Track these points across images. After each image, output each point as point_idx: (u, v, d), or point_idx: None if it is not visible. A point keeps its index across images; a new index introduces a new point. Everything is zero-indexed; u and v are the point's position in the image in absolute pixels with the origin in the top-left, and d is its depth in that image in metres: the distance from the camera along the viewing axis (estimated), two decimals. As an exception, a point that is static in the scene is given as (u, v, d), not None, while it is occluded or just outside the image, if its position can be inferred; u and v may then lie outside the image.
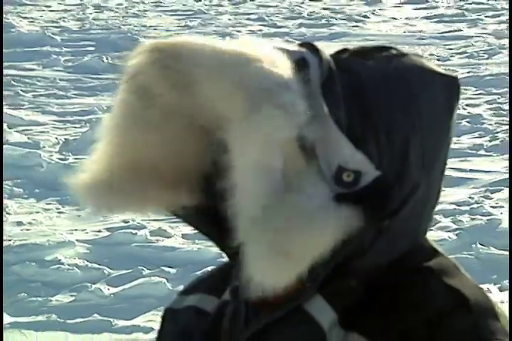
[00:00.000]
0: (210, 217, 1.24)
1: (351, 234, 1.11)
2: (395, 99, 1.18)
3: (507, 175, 6.51)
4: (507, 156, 6.89)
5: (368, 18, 11.62)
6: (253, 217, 1.11)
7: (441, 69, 1.23)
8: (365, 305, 1.21)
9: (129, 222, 5.62)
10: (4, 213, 5.83)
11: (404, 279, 1.22)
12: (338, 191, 1.13)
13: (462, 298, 1.20)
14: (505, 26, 11.07)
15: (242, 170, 1.11)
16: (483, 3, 12.44)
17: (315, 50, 1.16)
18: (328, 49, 1.19)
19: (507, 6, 12.17)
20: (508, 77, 8.97)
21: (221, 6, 12.31)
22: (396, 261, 1.22)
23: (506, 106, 8.10)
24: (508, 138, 7.25)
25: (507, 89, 8.58)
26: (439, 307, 1.19)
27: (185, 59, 1.12)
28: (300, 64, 1.12)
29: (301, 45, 1.18)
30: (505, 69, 9.20)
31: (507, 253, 5.14)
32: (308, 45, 1.17)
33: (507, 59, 9.65)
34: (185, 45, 1.13)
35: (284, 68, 1.09)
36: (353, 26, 11.08)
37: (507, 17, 11.56)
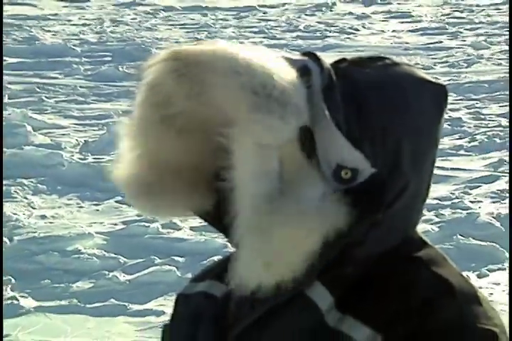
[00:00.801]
0: (220, 212, 1.23)
1: (346, 228, 1.10)
2: (389, 104, 1.17)
3: (484, 173, 6.51)
4: (485, 156, 6.89)
5: (359, 30, 11.63)
6: (247, 216, 1.11)
7: (431, 78, 1.23)
8: (360, 291, 1.20)
9: (142, 215, 5.61)
10: (30, 208, 5.83)
11: (397, 268, 1.22)
12: (337, 187, 1.13)
13: (449, 285, 1.19)
14: (482, 38, 11.06)
15: (241, 171, 1.11)
16: (462, 18, 12.44)
17: (317, 59, 1.16)
18: (328, 58, 1.19)
19: (484, 20, 12.15)
20: (486, 85, 8.98)
21: (226, 20, 12.31)
22: (389, 251, 1.22)
23: (484, 111, 8.11)
24: (486, 140, 7.25)
25: (484, 95, 8.58)
26: (428, 294, 1.18)
27: (199, 66, 1.11)
28: (303, 71, 1.11)
29: (304, 54, 1.18)
30: (483, 77, 9.20)
31: (484, 243, 5.14)
32: (311, 55, 1.18)
33: (484, 68, 9.65)
34: (199, 53, 1.12)
35: (288, 75, 1.09)
36: (345, 38, 11.08)
37: (484, 30, 11.55)
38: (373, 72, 1.18)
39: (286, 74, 1.09)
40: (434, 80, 1.22)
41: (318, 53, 1.16)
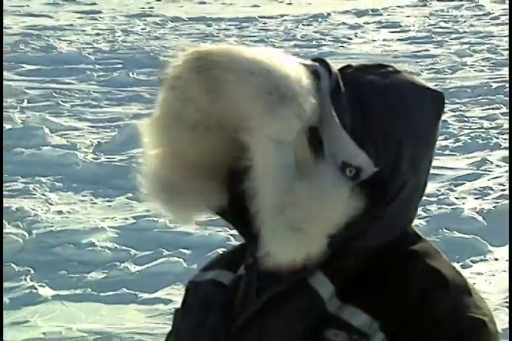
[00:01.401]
0: (234, 206, 1.23)
1: (351, 220, 1.09)
2: (392, 110, 1.17)
3: (468, 171, 6.51)
4: (468, 155, 6.89)
5: (352, 39, 11.64)
6: (273, 201, 1.08)
7: (430, 85, 1.23)
8: (359, 282, 1.20)
9: (150, 211, 5.61)
10: (47, 204, 5.83)
11: (395, 260, 1.22)
12: (342, 182, 1.13)
13: (442, 277, 1.19)
14: (466, 46, 11.06)
15: (261, 164, 1.10)
16: (447, 28, 12.45)
17: (326, 65, 1.17)
18: (335, 65, 1.19)
19: (468, 30, 12.16)
20: (469, 90, 8.98)
21: (228, 29, 12.33)
22: (388, 245, 1.22)
23: (467, 114, 8.11)
24: (469, 140, 7.25)
25: (468, 99, 8.58)
26: (424, 286, 1.18)
27: (219, 66, 1.11)
28: (313, 75, 1.11)
29: (314, 60, 1.19)
30: (467, 83, 9.20)
31: (468, 236, 5.15)
32: (320, 61, 1.18)
33: (468, 74, 9.66)
34: (219, 54, 1.12)
35: (300, 78, 1.09)
36: (339, 46, 11.09)
37: (468, 39, 11.55)
38: (376, 78, 1.18)
39: (299, 77, 1.09)
40: (432, 87, 1.22)
41: (327, 60, 1.17)
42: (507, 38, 11.49)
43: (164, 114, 1.17)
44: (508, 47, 10.96)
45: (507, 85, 8.97)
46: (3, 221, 5.40)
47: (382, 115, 1.14)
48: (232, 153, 1.18)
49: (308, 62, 1.15)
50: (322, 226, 1.09)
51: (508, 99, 8.54)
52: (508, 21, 12.84)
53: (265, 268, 1.15)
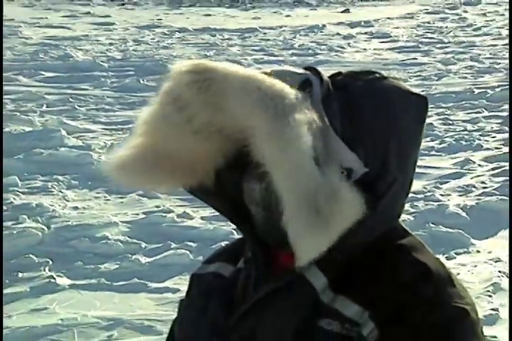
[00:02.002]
0: (230, 203, 1.23)
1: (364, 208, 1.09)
2: (379, 113, 1.17)
3: (453, 170, 6.51)
4: (452, 156, 6.90)
5: (345, 49, 11.64)
6: (299, 197, 1.06)
7: (415, 90, 1.22)
8: (351, 274, 1.20)
9: (160, 207, 5.63)
10: (64, 200, 5.83)
11: (384, 254, 1.21)
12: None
13: (427, 269, 1.19)
14: (450, 55, 11.05)
15: (280, 165, 1.09)
16: (433, 38, 12.46)
17: (317, 73, 1.16)
18: (326, 72, 1.18)
19: (452, 40, 12.16)
20: (453, 95, 8.98)
21: (231, 39, 12.34)
22: (377, 239, 1.21)
23: (452, 117, 8.12)
24: (453, 142, 7.25)
25: (452, 104, 8.58)
26: (410, 277, 1.18)
27: (216, 80, 1.11)
28: (306, 83, 1.12)
29: (306, 68, 1.18)
30: (451, 89, 9.21)
31: (452, 230, 5.14)
32: (312, 69, 1.18)
33: (452, 81, 9.66)
34: (216, 69, 1.12)
35: (292, 90, 1.09)
36: (333, 55, 11.09)
37: (452, 49, 11.54)
38: (365, 84, 1.17)
39: (292, 86, 1.09)
40: (417, 92, 1.21)
41: (319, 68, 1.16)
42: (488, 47, 11.49)
43: (160, 115, 1.17)
44: (488, 56, 10.96)
45: (489, 91, 8.98)
46: (24, 216, 5.41)
47: (371, 119, 1.14)
48: (221, 155, 1.18)
49: (301, 70, 1.15)
50: (343, 222, 1.08)
51: (489, 103, 8.55)
52: (488, 32, 12.85)
53: (263, 264, 1.15)
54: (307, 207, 1.06)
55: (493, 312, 4.10)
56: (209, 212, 5.15)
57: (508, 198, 5.74)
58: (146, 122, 1.18)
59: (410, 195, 1.26)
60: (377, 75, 1.19)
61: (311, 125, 1.07)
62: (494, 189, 5.98)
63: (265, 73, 1.13)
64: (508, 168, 6.46)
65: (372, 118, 1.14)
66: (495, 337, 3.70)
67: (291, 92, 1.08)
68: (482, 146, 7.15)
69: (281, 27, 13.42)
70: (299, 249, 1.07)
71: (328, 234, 1.07)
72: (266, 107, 1.06)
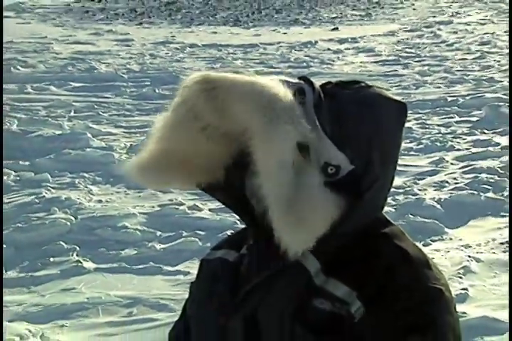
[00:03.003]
0: (231, 195, 1.22)
1: (339, 210, 1.10)
2: (364, 118, 1.16)
3: (428, 168, 6.51)
4: (428, 155, 6.89)
5: (335, 62, 11.63)
6: (279, 197, 1.08)
7: (395, 97, 1.22)
8: (341, 259, 1.19)
9: (173, 200, 5.64)
10: (89, 194, 5.83)
11: (369, 241, 1.21)
12: (324, 179, 1.11)
13: (407, 255, 1.18)
14: (426, 68, 11.03)
15: (266, 164, 1.09)
16: (411, 53, 12.44)
17: (310, 82, 1.15)
18: (318, 82, 1.18)
19: (428, 54, 12.13)
20: (429, 102, 8.96)
21: (235, 54, 12.33)
22: (363, 228, 1.20)
23: (428, 122, 8.11)
24: (429, 143, 7.25)
25: (428, 110, 8.58)
26: (392, 262, 1.17)
27: (222, 88, 1.10)
28: (299, 91, 1.11)
29: (300, 78, 1.17)
30: (427, 97, 9.20)
31: (428, 220, 5.15)
32: (305, 79, 1.17)
33: (428, 90, 9.66)
34: (222, 79, 1.12)
35: (289, 94, 1.08)
36: (325, 67, 11.08)
37: (428, 62, 11.52)
38: (351, 92, 1.17)
39: (287, 94, 1.09)
40: (398, 99, 1.20)
41: (311, 78, 1.16)
42: (459, 61, 11.48)
43: (176, 122, 1.16)
44: (459, 69, 10.95)
45: (460, 99, 8.98)
46: (55, 208, 5.41)
47: (357, 122, 1.13)
48: (229, 156, 1.18)
49: (295, 80, 1.15)
50: (323, 217, 1.08)
51: (460, 110, 8.54)
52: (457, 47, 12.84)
53: (264, 251, 1.14)
54: (286, 206, 1.05)
55: (463, 291, 4.11)
56: (216, 204, 5.15)
57: (476, 192, 5.75)
58: (163, 128, 1.18)
59: (392, 189, 1.25)
60: (363, 84, 1.19)
61: (301, 129, 1.07)
62: (465, 184, 5.99)
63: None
64: (476, 166, 6.47)
65: (359, 122, 1.13)
66: (464, 312, 3.71)
67: (286, 99, 1.08)
68: (454, 147, 7.15)
69: (278, 43, 13.39)
70: (283, 245, 1.07)
71: (308, 232, 1.06)
72: (262, 113, 1.05)
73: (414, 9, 17.83)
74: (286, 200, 1.06)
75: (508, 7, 17.61)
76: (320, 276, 1.15)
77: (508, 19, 15.71)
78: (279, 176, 1.06)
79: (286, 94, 1.08)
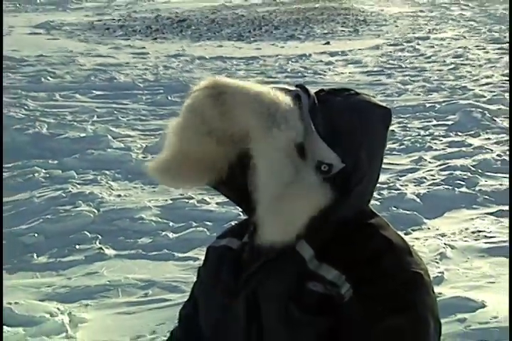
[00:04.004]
0: (236, 191, 1.22)
1: (328, 202, 1.09)
2: (354, 121, 1.16)
3: (409, 166, 6.51)
4: (409, 155, 6.88)
5: (326, 72, 11.62)
6: (270, 192, 1.08)
7: (381, 103, 1.22)
8: (331, 247, 1.18)
9: (184, 194, 5.64)
10: (110, 189, 5.82)
11: (356, 231, 1.20)
12: (318, 176, 1.11)
13: (391, 243, 1.18)
14: (407, 78, 11.00)
15: (264, 165, 1.09)
16: (394, 64, 12.43)
17: (305, 90, 1.15)
18: (312, 89, 1.17)
19: (408, 66, 12.10)
20: (410, 108, 8.94)
21: (238, 65, 12.33)
22: (351, 219, 1.20)
23: (409, 125, 8.09)
24: (410, 144, 7.23)
25: (409, 115, 8.55)
26: (377, 249, 1.17)
27: (228, 94, 1.10)
28: (296, 97, 1.11)
29: (296, 86, 1.17)
30: (408, 103, 9.18)
31: (409, 212, 5.15)
32: (301, 86, 1.17)
33: (409, 97, 9.64)
34: (228, 85, 1.11)
35: (288, 101, 1.10)
36: (318, 77, 11.07)
37: (408, 72, 11.49)
38: (342, 99, 1.16)
39: (285, 100, 1.08)
40: (383, 105, 1.20)
41: (307, 86, 1.16)
42: (436, 72, 11.46)
43: (185, 127, 1.16)
44: (436, 78, 10.93)
45: (436, 105, 8.96)
46: (79, 201, 5.41)
47: (348, 125, 1.13)
48: (233, 156, 1.18)
49: (293, 87, 1.14)
50: (305, 210, 1.07)
51: (437, 114, 8.52)
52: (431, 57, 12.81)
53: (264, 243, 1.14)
54: (276, 201, 1.05)
55: (440, 274, 4.12)
56: (222, 198, 5.12)
57: (451, 187, 5.74)
58: (175, 133, 1.18)
59: (377, 185, 1.25)
60: (352, 92, 1.19)
61: (298, 132, 1.06)
62: (441, 180, 5.99)
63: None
64: (451, 164, 6.46)
65: (349, 126, 1.13)
66: (440, 293, 3.72)
67: (285, 105, 1.07)
68: (432, 147, 7.14)
69: (277, 55, 13.36)
70: (264, 237, 1.07)
71: (289, 226, 1.06)
72: (263, 117, 1.05)
73: (396, 26, 17.80)
74: (278, 195, 1.05)
75: (476, 24, 17.61)
76: (313, 262, 1.14)
77: (478, 35, 15.69)
78: (274, 174, 1.06)
79: (285, 100, 1.07)
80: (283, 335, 1.13)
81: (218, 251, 1.31)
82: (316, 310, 1.11)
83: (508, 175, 6.14)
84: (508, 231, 4.90)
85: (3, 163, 6.38)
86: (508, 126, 7.83)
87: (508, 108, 8.71)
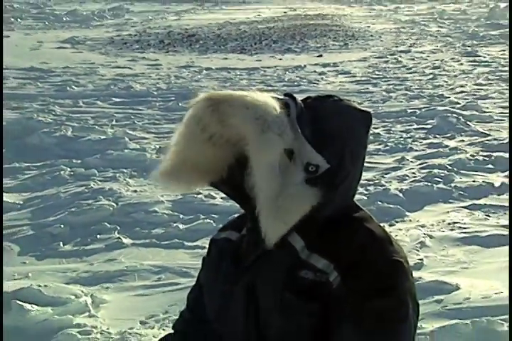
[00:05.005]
0: (235, 189, 1.22)
1: (317, 201, 1.09)
2: (338, 125, 1.15)
3: (393, 165, 6.50)
4: (393, 155, 6.87)
5: (319, 81, 11.60)
6: (265, 191, 1.08)
7: (362, 108, 1.21)
8: (320, 238, 1.18)
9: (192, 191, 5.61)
10: (127, 186, 5.82)
11: (343, 223, 1.20)
12: (307, 176, 1.11)
13: (374, 234, 1.18)
14: (391, 86, 10.98)
15: (258, 165, 1.08)
16: (380, 74, 12.41)
17: (293, 98, 1.14)
18: (299, 97, 1.17)
19: (392, 76, 12.07)
20: (394, 113, 8.92)
21: (241, 75, 12.31)
22: (338, 213, 1.20)
23: (393, 128, 8.07)
24: (393, 145, 7.22)
25: (393, 120, 8.53)
26: (362, 240, 1.17)
27: (224, 103, 1.10)
28: (285, 105, 1.11)
29: (285, 95, 1.17)
30: (392, 109, 9.16)
31: (392, 206, 5.14)
32: (290, 95, 1.16)
33: (393, 104, 9.61)
34: (224, 96, 1.11)
35: (277, 108, 1.10)
36: (312, 86, 11.06)
37: (392, 82, 11.46)
38: (327, 104, 1.16)
39: (276, 108, 1.08)
40: (364, 109, 1.20)
41: (294, 94, 1.15)
42: (416, 81, 11.43)
43: (187, 134, 1.16)
44: (417, 87, 10.90)
45: (417, 111, 8.94)
46: (100, 196, 5.41)
47: (332, 129, 1.13)
48: (231, 158, 1.17)
49: (282, 96, 1.14)
50: (300, 208, 1.07)
51: (417, 119, 8.51)
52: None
53: (259, 232, 1.14)
54: (271, 200, 1.05)
55: (420, 261, 4.12)
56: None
57: (430, 184, 5.73)
58: (178, 141, 1.17)
59: (364, 182, 1.25)
60: (336, 98, 1.18)
61: (287, 137, 1.06)
62: (421, 177, 5.98)
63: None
64: (430, 163, 6.45)
65: (333, 129, 1.12)
66: (420, 277, 3.72)
67: (275, 112, 1.07)
68: (413, 148, 7.13)
69: (275, 67, 13.33)
70: (264, 233, 1.07)
71: (285, 222, 1.06)
72: (256, 124, 1.05)
73: (381, 41, 17.76)
74: (271, 194, 1.05)
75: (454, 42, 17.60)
76: (304, 252, 1.14)
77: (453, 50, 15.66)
78: (268, 176, 1.06)
79: (275, 108, 1.07)
80: (278, 318, 1.13)
81: (219, 242, 1.31)
82: (307, 295, 1.10)
83: (481, 173, 6.14)
84: (479, 222, 4.91)
85: (26, 163, 6.39)
86: (480, 129, 7.83)
87: (480, 113, 8.71)
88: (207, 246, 1.37)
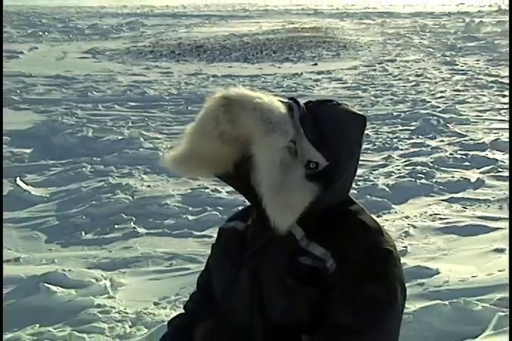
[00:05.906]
0: (241, 182, 1.21)
1: (316, 194, 1.08)
2: (336, 127, 1.14)
3: (380, 162, 6.48)
4: (380, 153, 6.85)
5: (315, 87, 11.59)
6: (270, 186, 1.07)
7: (358, 112, 1.20)
8: (318, 229, 1.17)
9: (201, 185, 5.62)
10: (142, 181, 5.81)
11: (338, 215, 1.19)
12: (307, 172, 1.10)
13: (366, 225, 1.17)
14: (379, 92, 10.95)
15: (263, 162, 1.07)
16: (368, 81, 12.38)
17: (296, 101, 1.13)
18: (302, 101, 1.16)
19: (380, 82, 12.04)
20: (381, 116, 8.90)
21: (244, 82, 12.30)
22: (335, 206, 1.18)
23: (380, 130, 8.05)
24: (381, 145, 7.20)
25: (380, 122, 8.51)
26: (355, 230, 1.15)
27: (235, 103, 1.09)
28: (289, 108, 1.10)
29: (289, 98, 1.16)
30: (379, 112, 9.14)
31: (380, 199, 5.13)
32: (293, 99, 1.15)
33: (380, 107, 9.58)
34: (236, 96, 1.10)
35: (282, 110, 1.08)
36: (307, 91, 11.04)
37: (379, 88, 11.42)
38: (326, 108, 1.15)
39: (280, 110, 1.07)
40: (360, 113, 1.19)
41: (297, 98, 1.14)
42: (402, 87, 11.40)
43: (200, 130, 1.15)
44: (402, 93, 10.87)
45: (402, 114, 8.91)
46: (118, 190, 5.40)
47: (331, 131, 1.11)
48: (238, 154, 1.16)
49: (286, 99, 1.13)
50: (302, 200, 1.06)
51: (402, 121, 8.48)
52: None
53: (263, 223, 1.13)
54: (275, 193, 1.04)
55: (404, 248, 4.12)
56: (231, 188, 5.13)
57: (414, 179, 5.72)
58: (192, 133, 1.16)
59: (355, 177, 1.24)
60: (335, 102, 1.18)
61: (291, 137, 1.05)
62: (406, 174, 5.97)
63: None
64: (414, 161, 6.43)
65: (332, 131, 1.11)
66: (404, 263, 3.73)
67: (280, 114, 1.06)
68: (398, 147, 7.11)
69: (275, 74, 13.32)
70: (273, 222, 1.06)
71: (290, 211, 1.05)
72: (261, 125, 1.04)
73: (370, 51, 17.73)
74: (276, 189, 1.04)
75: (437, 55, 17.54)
76: (304, 240, 1.13)
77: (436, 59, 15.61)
78: (272, 172, 1.05)
79: (280, 110, 1.06)
80: (280, 301, 1.12)
81: (227, 232, 1.30)
82: (306, 280, 1.10)
83: (459, 170, 6.12)
84: (457, 214, 4.90)
85: (52, 160, 6.39)
86: (458, 131, 7.81)
87: (458, 116, 8.69)
88: (214, 235, 1.37)
